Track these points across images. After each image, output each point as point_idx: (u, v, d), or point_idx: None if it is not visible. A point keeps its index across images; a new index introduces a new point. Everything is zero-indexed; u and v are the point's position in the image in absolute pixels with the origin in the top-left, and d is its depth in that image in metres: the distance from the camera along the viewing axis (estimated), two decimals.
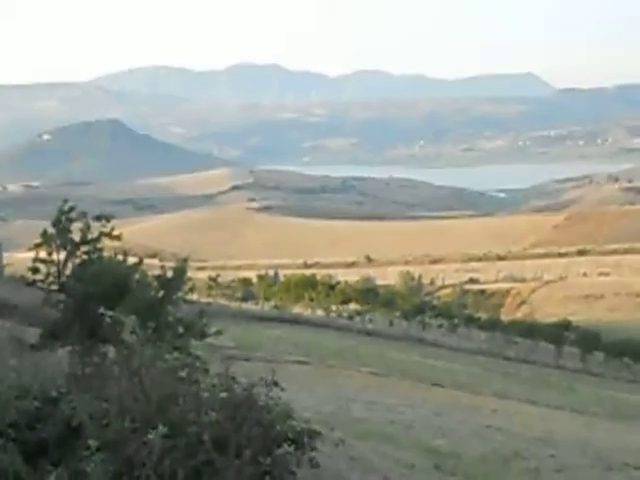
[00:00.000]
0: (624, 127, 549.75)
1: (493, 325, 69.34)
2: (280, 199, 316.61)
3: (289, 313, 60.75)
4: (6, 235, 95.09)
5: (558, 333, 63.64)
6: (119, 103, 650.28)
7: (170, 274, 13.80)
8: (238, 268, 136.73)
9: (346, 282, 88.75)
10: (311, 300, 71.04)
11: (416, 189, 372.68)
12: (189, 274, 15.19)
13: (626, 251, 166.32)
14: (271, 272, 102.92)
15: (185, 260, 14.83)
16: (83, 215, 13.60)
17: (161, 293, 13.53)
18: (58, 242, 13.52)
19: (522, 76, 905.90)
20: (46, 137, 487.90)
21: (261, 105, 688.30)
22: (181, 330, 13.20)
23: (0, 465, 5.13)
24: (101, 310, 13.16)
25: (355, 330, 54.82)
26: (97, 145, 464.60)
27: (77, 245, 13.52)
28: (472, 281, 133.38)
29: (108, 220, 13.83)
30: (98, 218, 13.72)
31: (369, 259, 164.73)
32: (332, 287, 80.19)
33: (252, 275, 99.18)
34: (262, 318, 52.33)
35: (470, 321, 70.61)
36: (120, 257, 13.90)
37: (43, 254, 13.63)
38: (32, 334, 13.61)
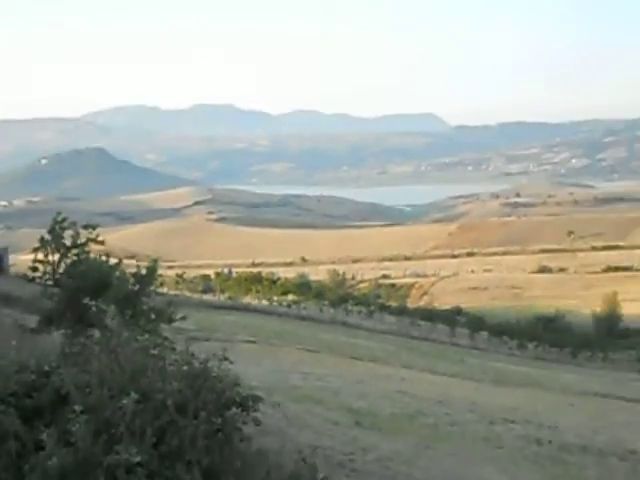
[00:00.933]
0: (503, 156, 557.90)
1: (401, 311, 69.81)
2: (233, 212, 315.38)
3: (240, 303, 60.49)
4: (12, 241, 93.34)
5: (452, 317, 64.55)
6: (104, 135, 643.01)
7: (144, 272, 13.75)
8: (199, 267, 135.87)
9: (285, 278, 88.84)
10: (257, 292, 70.89)
11: (341, 204, 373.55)
12: (160, 272, 15.35)
13: (504, 253, 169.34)
14: (226, 270, 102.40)
15: (156, 261, 14.84)
16: (73, 224, 13.64)
17: (137, 287, 13.49)
18: (53, 246, 13.51)
19: (424, 115, 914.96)
20: (44, 161, 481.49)
21: (218, 137, 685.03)
22: (153, 316, 13.13)
23: (3, 427, 5.12)
24: (88, 301, 13.11)
25: (292, 316, 54.79)
26: (85, 168, 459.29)
27: (68, 248, 13.52)
28: (384, 277, 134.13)
29: (94, 228, 13.84)
30: (85, 227, 13.75)
31: (304, 259, 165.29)
32: (274, 282, 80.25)
33: (211, 272, 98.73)
34: (218, 307, 52.11)
35: (383, 308, 71.03)
36: (103, 258, 13.86)
37: (41, 256, 13.56)
38: (32, 320, 13.44)
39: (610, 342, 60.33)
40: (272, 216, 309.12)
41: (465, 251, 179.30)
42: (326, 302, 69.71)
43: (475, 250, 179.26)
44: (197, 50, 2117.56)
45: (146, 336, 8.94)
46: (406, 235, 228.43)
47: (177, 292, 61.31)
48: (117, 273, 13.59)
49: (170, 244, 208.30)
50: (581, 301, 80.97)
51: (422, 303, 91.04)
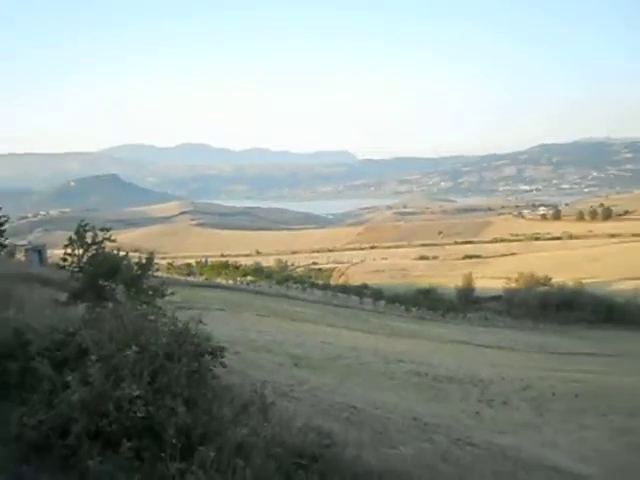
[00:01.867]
0: (395, 180, 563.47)
1: (325, 287, 70.11)
2: (209, 219, 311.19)
3: (213, 282, 59.88)
4: (48, 240, 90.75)
5: (360, 290, 64.95)
6: (116, 164, 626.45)
7: (144, 261, 13.62)
8: (185, 258, 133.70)
9: (245, 265, 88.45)
10: (226, 275, 70.33)
11: (284, 213, 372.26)
12: (155, 261, 15.14)
13: (396, 247, 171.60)
14: (203, 260, 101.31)
15: (152, 253, 14.84)
16: (92, 228, 13.56)
17: (139, 272, 13.34)
18: (78, 244, 13.38)
19: (341, 151, 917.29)
20: (72, 184, 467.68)
21: (197, 166, 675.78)
22: (150, 292, 12.98)
23: (39, 372, 5.01)
24: (103, 282, 12.94)
25: (250, 291, 54.43)
26: (103, 189, 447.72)
27: (89, 245, 13.38)
28: (314, 264, 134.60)
29: (108, 231, 13.80)
30: (102, 230, 13.69)
31: (258, 252, 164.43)
32: (237, 267, 79.82)
33: (193, 261, 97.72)
34: (198, 285, 51.43)
35: (313, 285, 71.19)
36: (115, 252, 13.69)
37: (69, 250, 13.48)
38: (63, 296, 13.10)
39: (467, 306, 61.58)
40: (236, 222, 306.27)
41: (369, 245, 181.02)
42: (273, 281, 69.59)
43: (376, 245, 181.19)
44: (180, 100, 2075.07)
45: (144, 306, 8.85)
46: (329, 235, 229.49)
47: (168, 275, 60.37)
48: (125, 262, 13.45)
49: (163, 242, 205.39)
50: (448, 279, 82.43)
51: (340, 281, 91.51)
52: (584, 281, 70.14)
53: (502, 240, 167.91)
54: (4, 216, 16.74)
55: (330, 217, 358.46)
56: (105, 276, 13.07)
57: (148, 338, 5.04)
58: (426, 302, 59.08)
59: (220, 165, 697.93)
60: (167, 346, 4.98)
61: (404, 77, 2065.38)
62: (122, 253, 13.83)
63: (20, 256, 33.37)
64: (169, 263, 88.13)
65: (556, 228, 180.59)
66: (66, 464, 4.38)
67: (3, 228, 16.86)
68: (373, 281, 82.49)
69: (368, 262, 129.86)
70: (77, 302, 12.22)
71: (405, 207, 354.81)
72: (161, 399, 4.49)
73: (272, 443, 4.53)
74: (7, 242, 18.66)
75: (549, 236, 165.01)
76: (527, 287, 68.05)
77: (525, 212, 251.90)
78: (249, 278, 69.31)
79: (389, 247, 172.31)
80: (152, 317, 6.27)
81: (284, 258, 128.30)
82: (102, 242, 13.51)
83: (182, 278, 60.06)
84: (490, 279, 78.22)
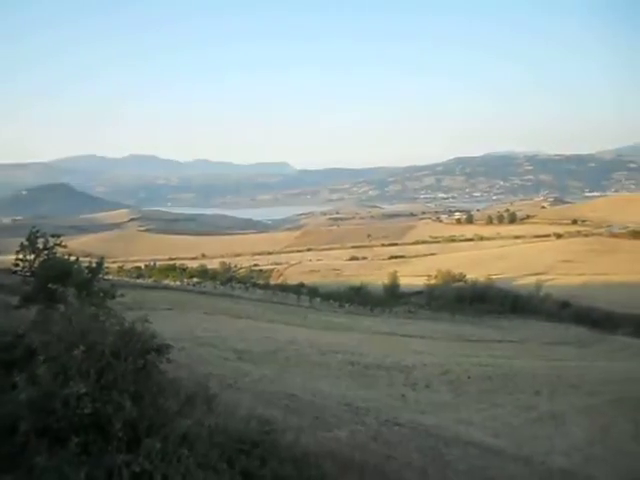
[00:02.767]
0: (328, 189, 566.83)
1: (266, 286, 69.56)
2: (157, 225, 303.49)
3: (162, 284, 58.36)
4: (1, 247, 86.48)
5: (298, 289, 64.64)
6: (68, 174, 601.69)
7: (94, 265, 13.09)
8: (134, 261, 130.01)
9: (191, 267, 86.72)
10: (173, 277, 68.71)
11: (227, 219, 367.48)
12: (105, 265, 14.61)
13: (330, 249, 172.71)
14: (152, 263, 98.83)
15: (102, 258, 14.26)
16: (43, 235, 12.82)
17: (90, 275, 12.80)
18: (30, 249, 12.68)
19: (280, 163, 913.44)
20: (24, 192, 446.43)
21: (145, 176, 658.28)
22: (101, 294, 12.46)
23: None
24: (55, 286, 12.35)
25: (196, 291, 53.33)
26: (54, 197, 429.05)
27: (41, 250, 12.70)
28: (255, 265, 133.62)
29: (59, 237, 13.15)
30: (53, 236, 12.99)
31: (203, 255, 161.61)
32: (184, 270, 78.19)
33: (142, 265, 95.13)
34: (147, 287, 49.91)
35: (254, 285, 70.52)
36: (66, 257, 13.11)
37: (21, 256, 12.76)
38: (15, 300, 12.42)
39: (393, 301, 62.31)
40: (183, 228, 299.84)
41: (305, 248, 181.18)
42: (218, 282, 68.50)
43: (312, 247, 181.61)
44: (129, 112, 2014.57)
45: (93, 308, 8.49)
46: (269, 239, 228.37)
47: (119, 278, 58.36)
48: (76, 266, 12.87)
49: (113, 247, 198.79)
50: (376, 277, 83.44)
51: (279, 281, 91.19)
52: (493, 277, 72.59)
53: (423, 242, 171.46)
54: None
55: (270, 223, 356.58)
56: (56, 280, 12.50)
57: (95, 338, 4.81)
58: (357, 298, 59.17)
59: (167, 175, 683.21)
60: (114, 345, 4.76)
61: (336, 97, 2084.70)
62: (73, 258, 13.28)
63: None
64: (119, 267, 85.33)
65: (469, 231, 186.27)
66: (14, 462, 4.11)
67: None
68: (309, 280, 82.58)
69: (304, 263, 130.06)
70: (29, 306, 11.64)
71: (337, 213, 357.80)
72: (108, 395, 4.28)
73: (216, 432, 4.41)
74: None
75: (463, 238, 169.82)
76: (445, 283, 69.82)
77: (443, 217, 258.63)
78: (195, 279, 67.91)
79: (323, 249, 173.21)
80: (101, 318, 6.00)
81: (228, 261, 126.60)
82: (53, 248, 12.92)
83: (132, 281, 58.23)
84: (413, 276, 79.68)
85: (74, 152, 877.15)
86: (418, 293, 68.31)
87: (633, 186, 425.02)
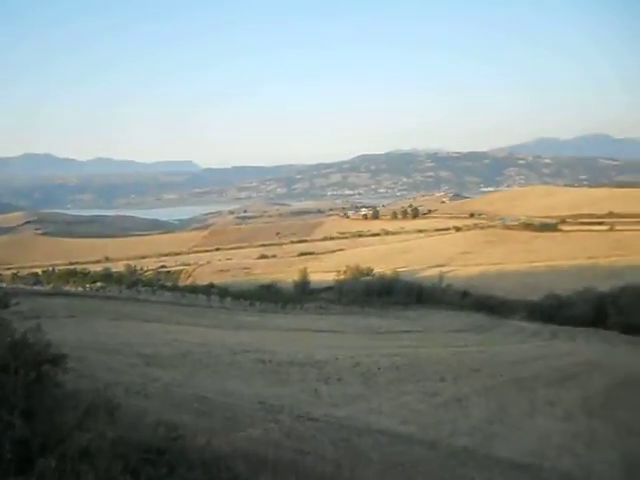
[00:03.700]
0: (236, 187, 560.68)
1: (174, 288, 67.51)
2: (55, 228, 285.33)
3: (62, 290, 54.96)
4: None
5: (207, 289, 63.38)
6: None
7: None
8: (31, 267, 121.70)
9: (95, 271, 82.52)
10: (74, 282, 64.96)
11: (131, 220, 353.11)
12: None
13: (238, 247, 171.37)
14: (51, 268, 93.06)
15: None
16: None
17: None
18: None
19: (186, 161, 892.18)
20: None
21: (42, 176, 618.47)
22: None
23: None
24: None
25: (100, 297, 50.74)
26: None
27: None
28: (163, 266, 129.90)
29: None
30: None
31: (107, 258, 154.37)
32: (86, 274, 74.28)
33: (39, 270, 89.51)
34: (46, 294, 46.71)
35: (162, 287, 68.26)
36: None
37: None
38: None
39: (304, 297, 62.80)
40: (83, 230, 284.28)
41: (214, 247, 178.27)
42: (124, 286, 65.61)
43: (220, 247, 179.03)
44: (21, 106, 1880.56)
45: None
46: (176, 239, 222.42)
47: (14, 286, 54.41)
48: None
49: (8, 252, 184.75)
50: (286, 274, 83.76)
51: (188, 282, 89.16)
52: (399, 270, 75.11)
53: (331, 238, 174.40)
54: None
55: (176, 223, 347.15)
56: None
57: None
58: (268, 296, 59.00)
59: (65, 175, 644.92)
60: (3, 358, 4.37)
61: (240, 89, 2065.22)
62: None
63: None
64: (14, 273, 79.72)
65: (375, 226, 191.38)
66: None
67: None
68: (219, 280, 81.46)
69: (214, 263, 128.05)
70: None
71: (245, 211, 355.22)
72: None
73: (119, 443, 4.16)
74: None
75: (370, 233, 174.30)
76: (353, 278, 71.28)
77: (350, 213, 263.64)
78: (99, 284, 64.61)
79: (232, 248, 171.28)
80: None
81: (133, 263, 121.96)
82: None
83: (28, 287, 54.45)
84: (323, 272, 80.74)
85: None
86: (328, 289, 69.23)
87: (523, 181, 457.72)
